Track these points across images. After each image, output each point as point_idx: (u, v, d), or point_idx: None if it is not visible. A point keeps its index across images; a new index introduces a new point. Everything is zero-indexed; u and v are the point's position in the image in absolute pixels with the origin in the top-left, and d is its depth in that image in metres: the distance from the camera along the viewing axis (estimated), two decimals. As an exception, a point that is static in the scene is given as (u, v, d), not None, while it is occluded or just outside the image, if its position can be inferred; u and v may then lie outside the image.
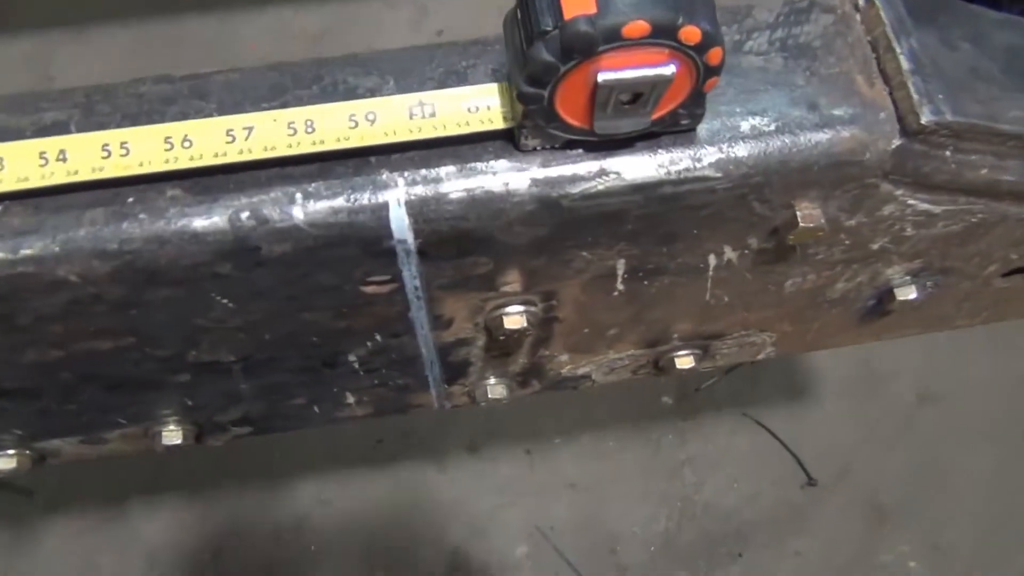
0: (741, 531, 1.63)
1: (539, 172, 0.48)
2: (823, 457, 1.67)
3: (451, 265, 0.52)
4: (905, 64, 0.49)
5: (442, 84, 0.50)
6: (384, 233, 0.49)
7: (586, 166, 0.48)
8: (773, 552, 1.62)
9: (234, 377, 0.63)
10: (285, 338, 0.58)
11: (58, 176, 0.47)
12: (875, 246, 0.59)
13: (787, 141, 0.49)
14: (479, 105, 0.47)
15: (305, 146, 0.47)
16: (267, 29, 1.87)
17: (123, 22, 1.88)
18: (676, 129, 0.48)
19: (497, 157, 0.48)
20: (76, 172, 0.47)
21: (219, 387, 0.64)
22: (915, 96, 0.48)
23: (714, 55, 0.42)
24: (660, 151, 0.49)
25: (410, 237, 0.49)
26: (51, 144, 0.47)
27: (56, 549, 1.51)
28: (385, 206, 0.48)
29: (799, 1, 0.52)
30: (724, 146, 0.49)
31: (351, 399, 0.70)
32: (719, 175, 0.49)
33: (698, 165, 0.49)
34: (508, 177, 0.48)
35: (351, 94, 0.50)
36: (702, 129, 0.49)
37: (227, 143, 0.47)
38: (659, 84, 0.42)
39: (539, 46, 0.41)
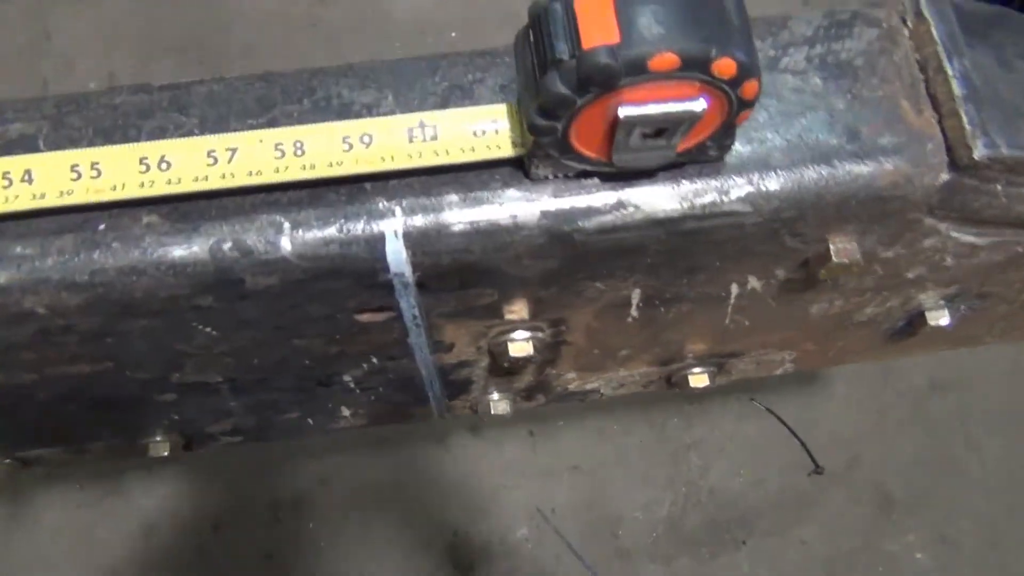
0: (746, 518, 1.61)
1: (550, 203, 0.44)
2: (831, 445, 1.64)
3: (453, 296, 0.48)
4: (957, 89, 0.44)
5: (445, 100, 0.46)
6: (380, 266, 0.45)
7: (602, 198, 0.44)
8: (778, 540, 1.59)
9: (223, 395, 0.59)
10: (275, 362, 0.54)
11: (23, 200, 0.42)
12: (911, 275, 0.55)
13: (824, 173, 0.44)
14: (486, 128, 0.43)
15: (294, 171, 0.43)
16: (270, -11, 1.81)
17: (121, -20, 1.82)
18: (702, 159, 0.44)
19: (505, 186, 0.44)
20: (43, 196, 0.43)
21: (207, 404, 0.60)
22: (967, 127, 0.43)
23: (749, 88, 0.37)
24: (684, 182, 0.44)
25: (408, 270, 0.45)
26: (15, 164, 0.43)
27: (54, 523, 1.50)
28: (381, 237, 0.44)
29: (840, 12, 0.47)
30: (755, 177, 0.44)
31: (347, 412, 0.67)
32: (748, 210, 0.44)
33: (725, 199, 0.44)
34: (516, 208, 0.44)
35: (345, 110, 0.46)
36: (731, 157, 0.44)
37: (208, 166, 0.43)
38: (687, 120, 0.38)
39: (553, 76, 0.36)
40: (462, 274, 0.46)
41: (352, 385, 0.61)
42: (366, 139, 0.43)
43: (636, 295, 0.52)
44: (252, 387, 0.59)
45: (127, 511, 1.55)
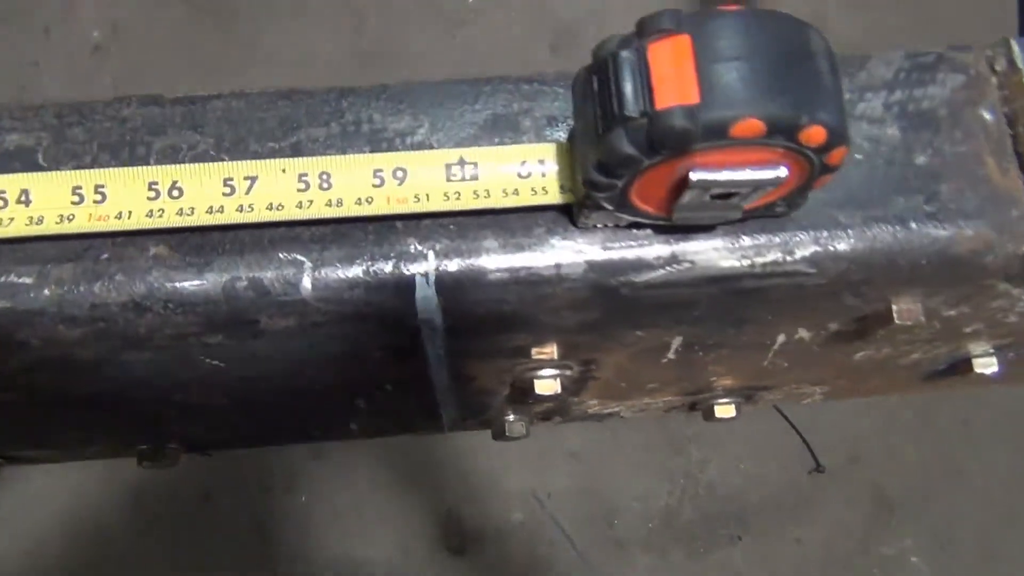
0: (743, 514, 1.60)
1: (598, 254, 0.40)
2: (833, 444, 1.62)
3: (482, 340, 0.45)
4: (1049, 149, 0.40)
5: (487, 132, 0.42)
6: (408, 311, 0.41)
7: (655, 251, 0.40)
8: (773, 538, 1.58)
9: (226, 412, 0.56)
10: (286, 390, 0.51)
11: (18, 224, 0.38)
12: (968, 330, 0.51)
13: (899, 236, 0.40)
14: (531, 170, 0.39)
15: (319, 206, 0.39)
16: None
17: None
18: (768, 215, 0.40)
19: (549, 232, 0.40)
20: (40, 220, 0.39)
21: (208, 420, 0.57)
22: (1059, 193, 0.40)
23: (836, 155, 0.33)
24: (744, 237, 0.40)
25: (438, 317, 0.41)
26: (12, 182, 0.39)
27: (44, 487, 1.47)
28: (411, 283, 0.40)
29: (923, 55, 0.43)
30: (822, 237, 0.40)
31: (354, 426, 0.63)
32: (812, 271, 0.41)
33: (789, 258, 0.40)
34: (561, 257, 0.40)
35: (377, 137, 0.41)
36: (798, 212, 0.40)
37: (224, 195, 0.39)
38: (763, 187, 0.34)
39: (619, 135, 0.32)
40: (496, 322, 0.42)
41: (363, 407, 0.57)
42: (399, 174, 0.39)
43: (676, 342, 0.48)
44: (260, 408, 0.55)
45: (117, 478, 1.53)
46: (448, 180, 0.39)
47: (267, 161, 0.39)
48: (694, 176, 0.33)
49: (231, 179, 0.39)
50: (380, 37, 1.77)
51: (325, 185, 0.39)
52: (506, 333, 0.44)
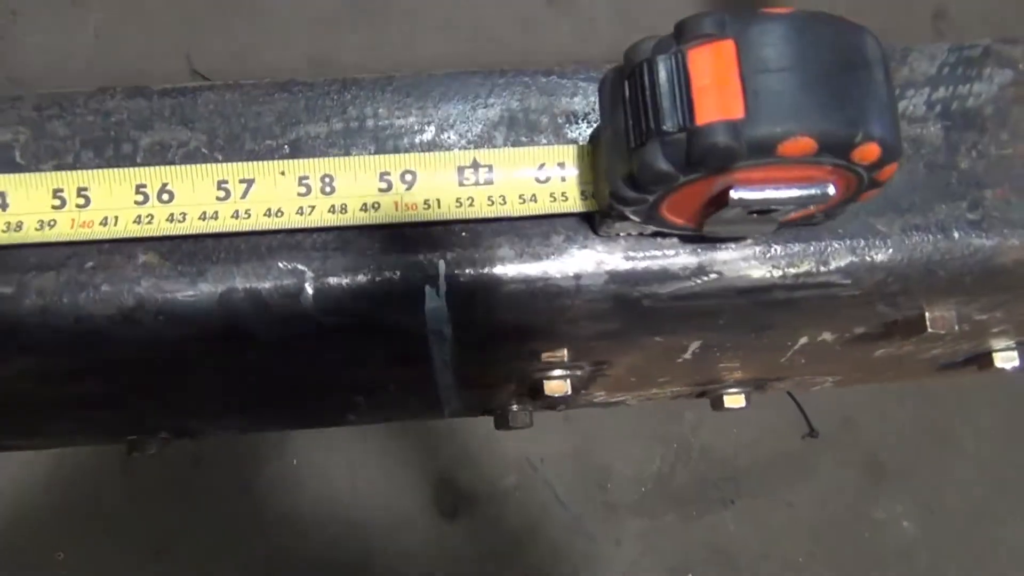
0: (735, 477, 1.60)
1: (620, 264, 0.37)
2: (827, 409, 1.61)
3: (493, 348, 0.42)
4: (1101, 153, 0.38)
5: (502, 129, 0.39)
6: (416, 322, 0.38)
7: (681, 262, 0.37)
8: (766, 501, 1.58)
9: (219, 408, 0.54)
10: (284, 390, 0.49)
11: (-6, 230, 0.35)
12: (995, 330, 0.49)
13: (939, 245, 0.38)
14: (550, 175, 0.36)
15: (320, 212, 0.36)
16: None
17: None
18: (805, 224, 0.37)
19: (569, 240, 0.37)
20: (19, 227, 0.35)
21: (199, 415, 0.55)
22: (1111, 201, 0.37)
23: (887, 172, 0.31)
24: (776, 246, 0.38)
25: (447, 328, 0.39)
26: (-15, 184, 0.36)
27: (31, 453, 1.45)
28: (420, 293, 0.37)
29: (970, 48, 0.40)
30: (859, 247, 0.38)
31: (352, 417, 0.61)
32: (847, 282, 0.38)
33: (823, 269, 0.38)
34: (581, 268, 0.37)
35: (382, 135, 0.38)
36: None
37: (219, 199, 0.36)
38: (807, 204, 0.31)
39: (654, 150, 0.29)
40: (508, 332, 0.40)
41: (363, 402, 0.55)
42: (408, 177, 0.36)
43: (695, 345, 0.46)
44: (254, 405, 0.53)
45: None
46: (461, 184, 0.36)
47: (265, 163, 0.36)
48: (735, 195, 0.30)
49: (225, 182, 0.36)
50: (371, -12, 1.71)
51: (328, 189, 0.36)
52: (518, 342, 0.41)
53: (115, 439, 0.59)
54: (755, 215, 0.33)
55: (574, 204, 0.36)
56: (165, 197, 0.36)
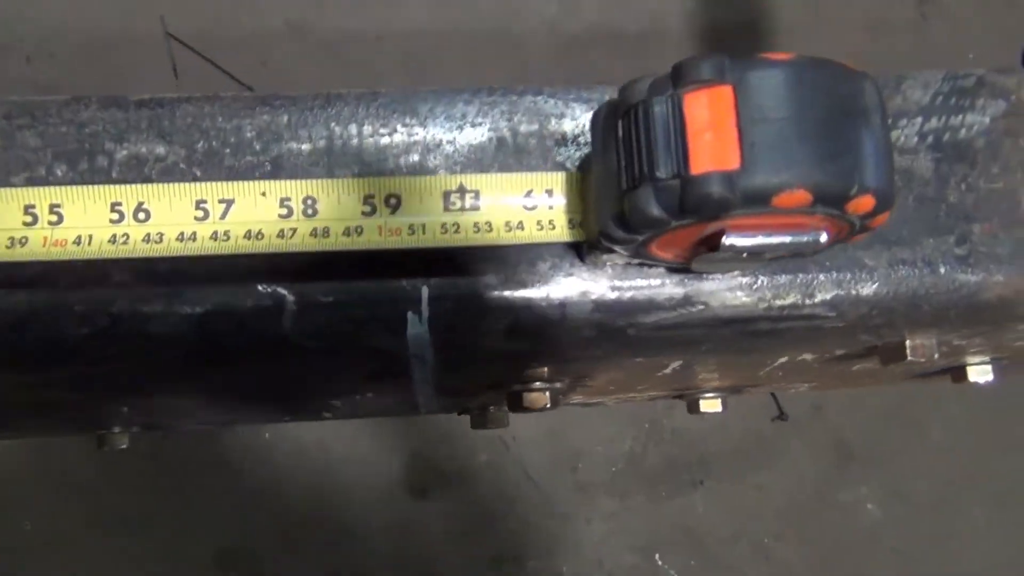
0: (705, 459, 1.61)
1: (607, 294, 0.37)
2: (797, 393, 1.63)
3: (474, 369, 0.42)
4: (1089, 191, 0.38)
5: (489, 152, 0.38)
6: (399, 347, 0.38)
7: (667, 292, 0.37)
8: (734, 483, 1.60)
9: (192, 410, 0.53)
10: (259, 396, 0.48)
11: (-39, 248, 0.34)
12: (973, 350, 0.50)
13: (925, 280, 0.38)
14: (538, 202, 0.35)
15: (302, 236, 0.35)
16: None
17: None
18: (791, 258, 0.37)
19: (555, 268, 0.37)
20: (-14, 244, 0.34)
21: (172, 414, 0.54)
22: (1099, 241, 0.37)
23: (879, 220, 0.30)
24: (762, 278, 0.38)
25: (430, 354, 0.38)
26: (-48, 199, 0.34)
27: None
28: (402, 321, 0.37)
29: (963, 76, 0.40)
30: (846, 280, 0.38)
31: (328, 415, 0.61)
32: (832, 314, 0.38)
33: (809, 301, 0.38)
34: (566, 295, 0.37)
35: (366, 154, 0.37)
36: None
37: (197, 219, 0.35)
38: (798, 251, 0.31)
39: (647, 195, 0.29)
40: (490, 357, 0.39)
41: (340, 405, 0.54)
42: (392, 201, 0.35)
43: (676, 364, 0.46)
44: (228, 408, 0.52)
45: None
46: (446, 210, 0.35)
47: (245, 183, 0.35)
48: (727, 241, 0.30)
49: (204, 202, 0.35)
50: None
51: (310, 212, 0.35)
52: (500, 365, 0.41)
53: (85, 433, 0.58)
54: (746, 255, 0.33)
55: (561, 233, 0.35)
56: (141, 216, 0.35)
